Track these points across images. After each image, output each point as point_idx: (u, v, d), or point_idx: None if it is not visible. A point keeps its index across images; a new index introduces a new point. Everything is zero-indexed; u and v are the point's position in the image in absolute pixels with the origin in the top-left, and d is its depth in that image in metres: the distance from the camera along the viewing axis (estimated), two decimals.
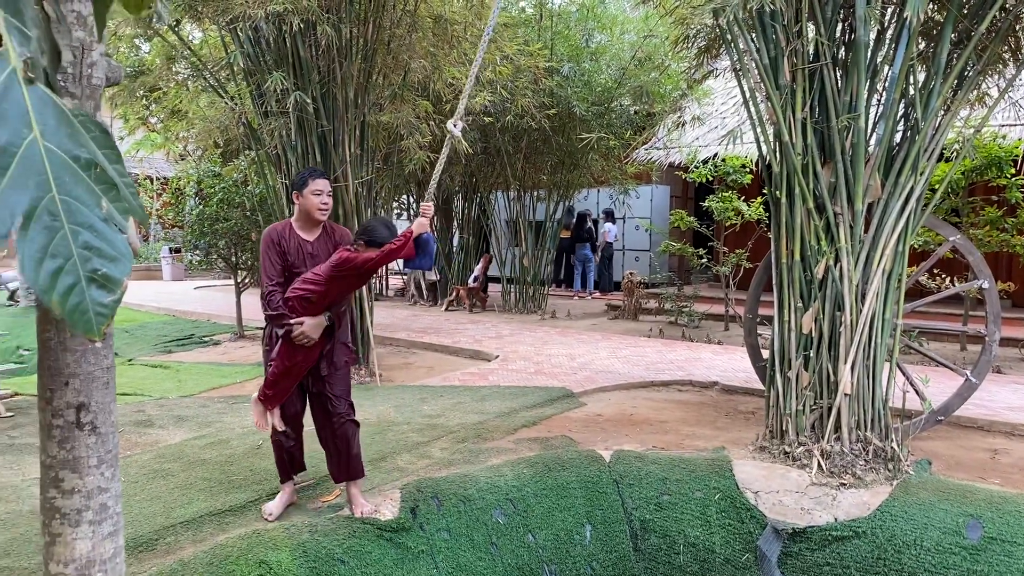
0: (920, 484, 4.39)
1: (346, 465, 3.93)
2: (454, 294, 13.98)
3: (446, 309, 13.87)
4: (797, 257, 4.78)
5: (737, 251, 10.92)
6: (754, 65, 4.84)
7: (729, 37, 4.96)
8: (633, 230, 16.36)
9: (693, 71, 7.15)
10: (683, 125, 11.28)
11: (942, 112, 4.74)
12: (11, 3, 1.02)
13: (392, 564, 3.78)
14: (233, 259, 10.62)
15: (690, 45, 6.55)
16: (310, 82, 7.21)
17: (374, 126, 8.19)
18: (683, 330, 10.96)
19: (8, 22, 1.01)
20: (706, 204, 10.96)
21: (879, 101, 4.88)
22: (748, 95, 4.93)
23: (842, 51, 4.76)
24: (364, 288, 7.51)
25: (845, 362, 4.61)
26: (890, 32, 4.75)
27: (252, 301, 10.57)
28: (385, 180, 13.01)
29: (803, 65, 4.60)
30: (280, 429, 3.88)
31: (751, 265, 10.50)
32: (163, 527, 3.73)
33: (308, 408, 4.06)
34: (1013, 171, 9.02)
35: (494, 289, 14.90)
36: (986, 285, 5.38)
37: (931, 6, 4.88)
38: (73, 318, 1.02)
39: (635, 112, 12.55)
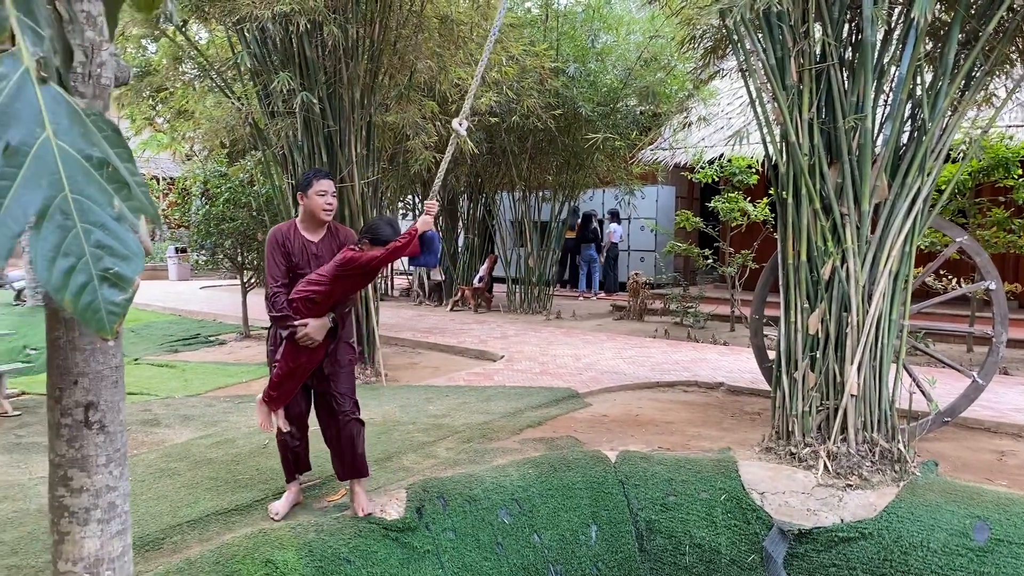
0: (927, 485, 4.38)
1: (351, 464, 3.93)
2: (459, 294, 13.98)
3: (451, 309, 13.87)
4: (804, 258, 4.77)
5: (743, 252, 10.90)
6: (761, 65, 4.83)
7: (736, 37, 4.95)
8: (638, 231, 16.35)
9: (699, 71, 7.13)
10: (689, 125, 11.28)
11: (949, 113, 4.72)
12: (24, 3, 1.03)
13: (398, 564, 3.79)
14: (239, 259, 10.64)
15: (696, 45, 6.53)
16: (316, 82, 7.23)
17: (380, 126, 8.20)
18: (688, 331, 10.94)
19: (21, 21, 1.01)
20: (712, 205, 10.94)
21: (886, 102, 4.86)
22: (755, 95, 4.93)
23: (849, 52, 4.75)
24: (369, 288, 7.52)
25: (851, 363, 4.60)
26: (897, 33, 4.74)
27: (258, 301, 10.60)
28: (391, 180, 13.04)
29: (810, 65, 4.60)
30: (285, 430, 3.89)
31: (757, 266, 10.49)
32: (169, 526, 3.74)
33: (314, 408, 4.07)
34: (1020, 172, 8.98)
35: (499, 289, 14.90)
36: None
37: (938, 6, 4.86)
38: (85, 317, 1.03)
39: (641, 112, 12.53)
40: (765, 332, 6.18)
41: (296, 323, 3.67)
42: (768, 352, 6.09)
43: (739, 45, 4.95)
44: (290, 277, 3.83)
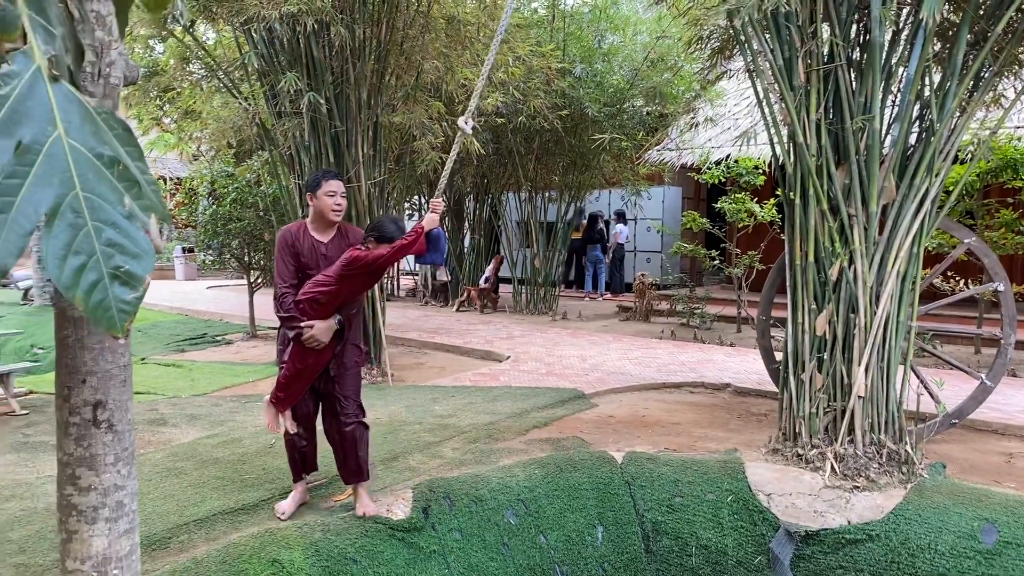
0: (934, 487, 4.36)
1: (354, 467, 3.93)
2: (465, 295, 13.99)
3: (457, 310, 13.88)
4: (811, 259, 4.76)
5: (749, 252, 10.88)
6: (768, 66, 4.82)
7: (743, 38, 4.94)
8: (645, 231, 16.33)
9: (706, 72, 7.12)
10: (696, 126, 11.25)
11: (958, 113, 4.70)
12: (36, 2, 1.03)
13: (404, 564, 3.79)
14: (246, 259, 10.67)
15: (703, 46, 6.52)
16: (323, 83, 7.24)
17: (387, 127, 8.21)
18: (695, 332, 10.93)
19: (33, 20, 1.02)
20: (718, 205, 10.92)
21: (894, 102, 4.85)
22: (762, 96, 4.91)
23: (857, 52, 4.74)
24: (376, 288, 7.53)
25: (859, 364, 4.59)
26: (905, 33, 4.72)
27: (264, 301, 10.61)
28: (397, 181, 13.05)
29: (818, 66, 4.58)
30: (292, 431, 3.89)
31: (763, 267, 10.46)
32: (176, 525, 3.75)
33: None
34: None
35: (505, 290, 14.90)
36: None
37: (947, 7, 4.84)
38: (96, 315, 1.03)
39: (647, 113, 12.52)
40: (772, 333, 6.17)
41: (302, 324, 3.67)
42: (775, 353, 6.07)
43: (746, 46, 4.93)
44: (299, 278, 3.83)
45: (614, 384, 7.31)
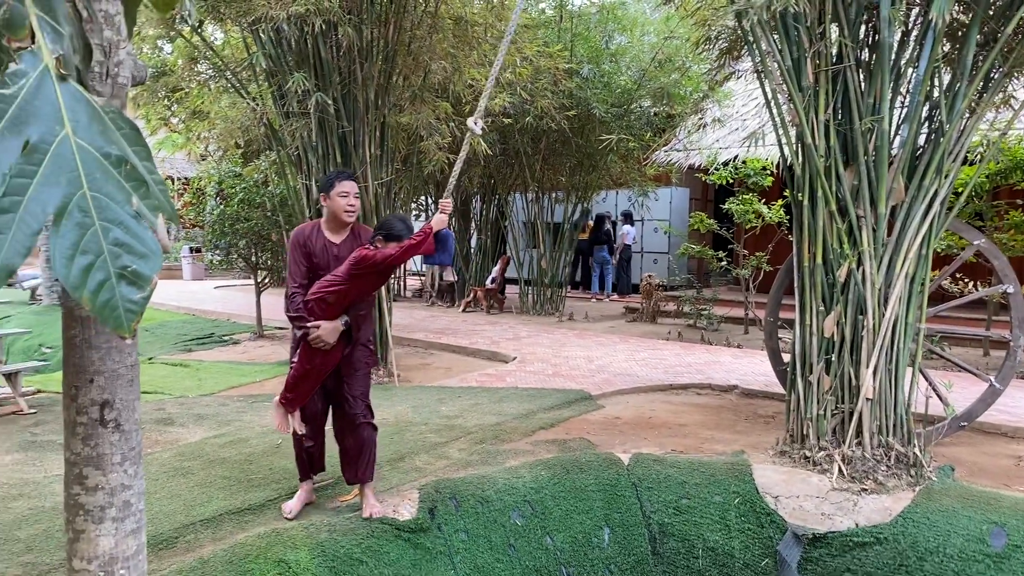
0: (943, 490, 4.34)
1: (364, 467, 3.94)
2: (472, 295, 13.99)
3: (463, 310, 13.88)
4: (819, 260, 4.74)
5: (757, 254, 10.85)
6: (777, 67, 4.80)
7: (751, 39, 4.92)
8: (652, 232, 16.29)
9: (714, 73, 7.11)
10: (703, 127, 11.21)
11: (967, 115, 4.68)
12: (44, 1, 1.03)
13: (410, 564, 3.78)
14: (253, 259, 10.69)
15: (712, 47, 6.51)
16: (331, 83, 7.25)
17: (394, 127, 8.21)
18: (702, 333, 10.90)
19: (41, 19, 1.01)
20: (726, 206, 10.89)
21: (903, 103, 4.83)
22: (770, 97, 4.90)
23: (866, 53, 4.72)
24: (383, 288, 7.53)
25: (867, 366, 4.56)
26: (915, 34, 4.70)
27: (272, 301, 10.65)
28: (404, 181, 13.04)
29: (826, 67, 4.56)
30: (300, 432, 3.90)
31: (771, 268, 10.44)
32: (183, 525, 3.75)
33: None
34: None
35: (512, 291, 14.89)
36: (1011, 289, 5.31)
37: (957, 7, 4.82)
38: (103, 314, 1.03)
39: (655, 114, 12.50)
40: (780, 335, 6.15)
41: (309, 324, 3.68)
42: (783, 355, 6.05)
43: (755, 46, 4.92)
44: (310, 278, 3.83)
45: (621, 385, 7.29)
